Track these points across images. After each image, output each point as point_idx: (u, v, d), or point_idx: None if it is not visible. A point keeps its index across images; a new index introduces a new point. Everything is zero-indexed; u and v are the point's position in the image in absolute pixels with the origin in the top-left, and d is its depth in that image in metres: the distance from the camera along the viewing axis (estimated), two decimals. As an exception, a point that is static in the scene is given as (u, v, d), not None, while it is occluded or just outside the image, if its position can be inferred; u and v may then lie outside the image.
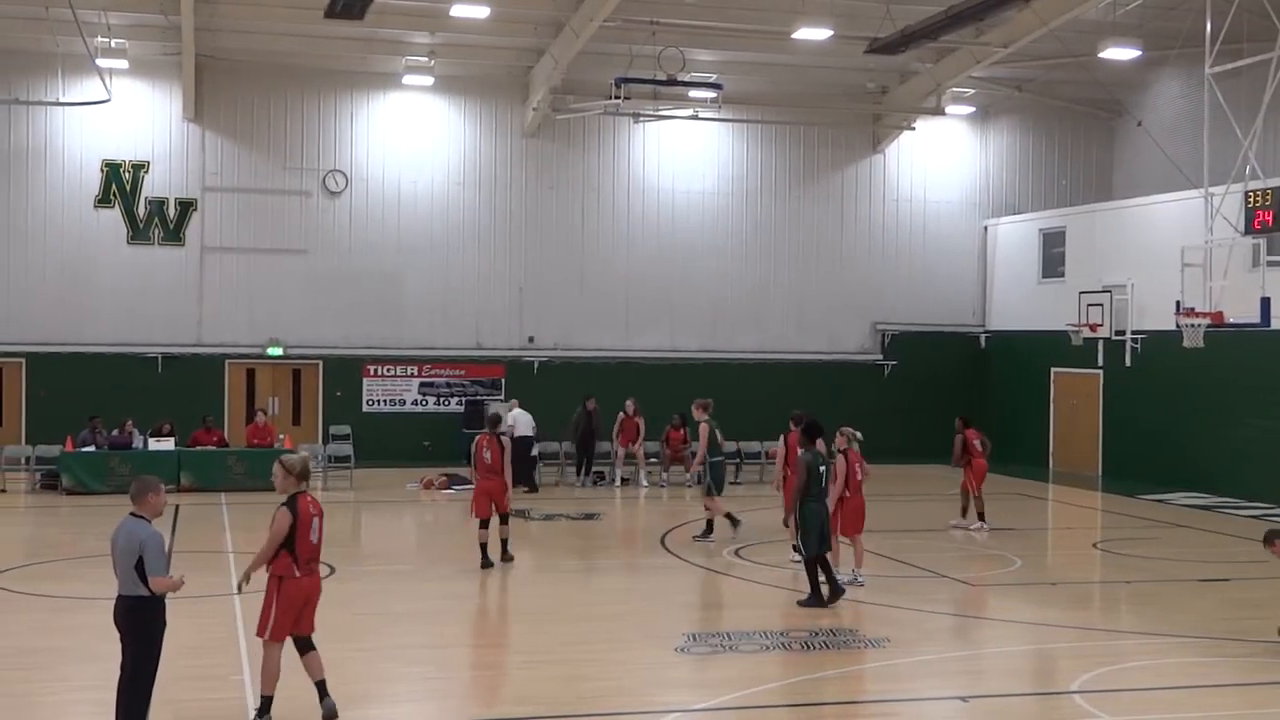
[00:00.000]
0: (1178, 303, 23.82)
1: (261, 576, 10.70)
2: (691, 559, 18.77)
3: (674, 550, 19.49)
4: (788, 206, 33.39)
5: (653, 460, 28.30)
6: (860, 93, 33.03)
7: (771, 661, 13.07)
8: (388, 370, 31.17)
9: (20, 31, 28.26)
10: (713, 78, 30.42)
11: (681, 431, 27.18)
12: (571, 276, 32.08)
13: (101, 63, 27.70)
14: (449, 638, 14.19)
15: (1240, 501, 25.23)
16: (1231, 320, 22.91)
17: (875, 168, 34.01)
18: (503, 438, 18.55)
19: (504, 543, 18.27)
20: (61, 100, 29.17)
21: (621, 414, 27.74)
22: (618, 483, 27.55)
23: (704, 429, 20.31)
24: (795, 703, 11.71)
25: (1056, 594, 16.77)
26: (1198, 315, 23.17)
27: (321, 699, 10.58)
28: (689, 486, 27.28)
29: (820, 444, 16.03)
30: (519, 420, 26.75)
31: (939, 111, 32.52)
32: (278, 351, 30.66)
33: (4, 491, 25.17)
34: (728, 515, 20.14)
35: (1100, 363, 29.87)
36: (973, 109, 33.60)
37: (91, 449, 25.39)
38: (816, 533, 15.38)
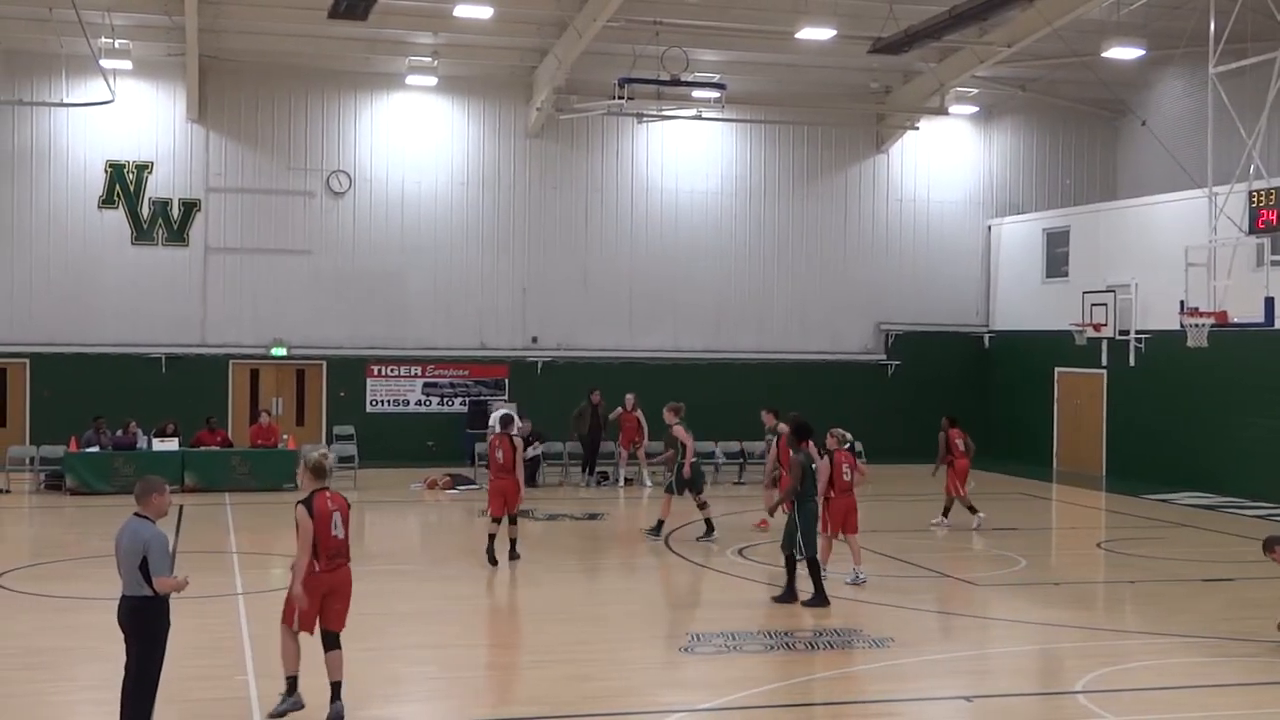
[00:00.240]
0: (1182, 302, 23.82)
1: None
2: (695, 559, 18.77)
3: (678, 550, 19.48)
4: (791, 206, 33.39)
5: (656, 460, 28.26)
6: (864, 92, 33.04)
7: (776, 661, 13.07)
8: (391, 370, 31.19)
9: (24, 32, 28.30)
10: (716, 78, 30.40)
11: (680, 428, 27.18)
12: (575, 276, 32.09)
13: (105, 63, 27.73)
14: (453, 638, 14.20)
15: (1245, 501, 25.21)
16: (1235, 320, 22.90)
17: (879, 167, 34.01)
18: (515, 438, 18.73)
19: (512, 542, 18.41)
20: (65, 101, 29.19)
21: (620, 409, 27.59)
22: (621, 483, 27.52)
23: (680, 431, 20.41)
24: (799, 703, 11.72)
25: (1060, 594, 16.76)
26: (1202, 315, 23.16)
27: (331, 700, 10.63)
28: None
29: (810, 445, 16.12)
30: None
31: (942, 111, 32.52)
32: (281, 352, 30.69)
33: (8, 492, 25.18)
34: (659, 522, 20.20)
35: (1104, 363, 29.85)
36: (976, 109, 33.58)
37: (96, 449, 25.42)
38: (812, 534, 15.43)
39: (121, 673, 9.80)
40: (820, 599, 15.33)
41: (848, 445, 17.16)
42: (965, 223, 34.37)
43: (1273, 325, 22.58)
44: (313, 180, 30.87)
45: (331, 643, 10.76)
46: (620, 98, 28.96)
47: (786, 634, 13.99)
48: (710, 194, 32.89)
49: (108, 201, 29.86)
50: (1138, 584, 17.69)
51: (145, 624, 9.63)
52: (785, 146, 33.34)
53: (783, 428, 21.08)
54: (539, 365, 31.69)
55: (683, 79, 28.97)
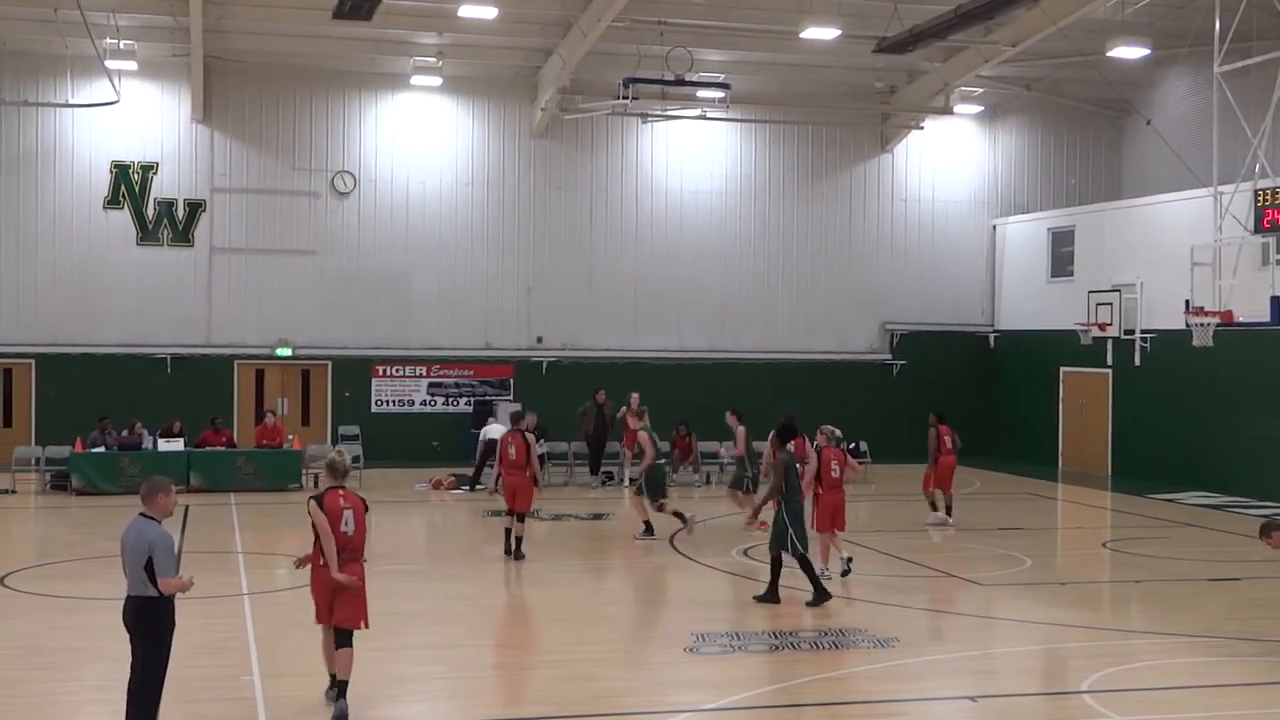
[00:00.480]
0: (1187, 302, 23.81)
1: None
2: (700, 559, 18.76)
3: (682, 550, 19.48)
4: (796, 206, 33.39)
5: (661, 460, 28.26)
6: (868, 92, 33.03)
7: (781, 661, 13.07)
8: (396, 370, 31.21)
9: (29, 33, 28.33)
10: (720, 78, 30.42)
11: (688, 439, 27.24)
12: (580, 276, 32.10)
13: (110, 64, 27.77)
14: (458, 638, 14.20)
15: (1250, 501, 25.18)
16: (1241, 319, 22.89)
17: (883, 167, 34.00)
18: (527, 435, 19.01)
19: (517, 540, 18.56)
20: (71, 102, 29.24)
21: (625, 409, 27.51)
22: (626, 483, 27.44)
23: (644, 437, 20.48)
24: (804, 703, 11.71)
25: (1066, 593, 16.75)
26: (1207, 314, 23.15)
27: (336, 698, 10.71)
28: (698, 486, 27.32)
29: (795, 444, 16.26)
30: (493, 429, 26.90)
31: (947, 111, 32.51)
32: (286, 352, 30.71)
33: (14, 492, 25.19)
34: (645, 524, 20.25)
35: (1109, 362, 29.82)
36: (981, 108, 33.57)
37: (101, 450, 25.44)
38: (802, 531, 15.51)
39: (127, 673, 9.81)
40: (821, 596, 15.33)
41: (837, 442, 17.33)
42: (970, 222, 34.35)
43: (1278, 324, 22.55)
44: (317, 180, 30.90)
45: (343, 640, 10.84)
46: (625, 98, 28.97)
47: (791, 634, 13.99)
48: (715, 194, 32.89)
49: (113, 202, 29.90)
50: (1143, 584, 17.68)
51: (150, 624, 9.64)
52: (790, 146, 33.34)
53: (740, 428, 21.35)
54: (544, 365, 31.70)
55: (687, 79, 28.98)
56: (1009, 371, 33.75)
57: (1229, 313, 22.86)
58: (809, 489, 16.63)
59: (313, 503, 10.95)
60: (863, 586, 16.78)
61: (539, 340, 31.90)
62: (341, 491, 11.06)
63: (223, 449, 26.38)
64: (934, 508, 22.12)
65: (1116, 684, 12.11)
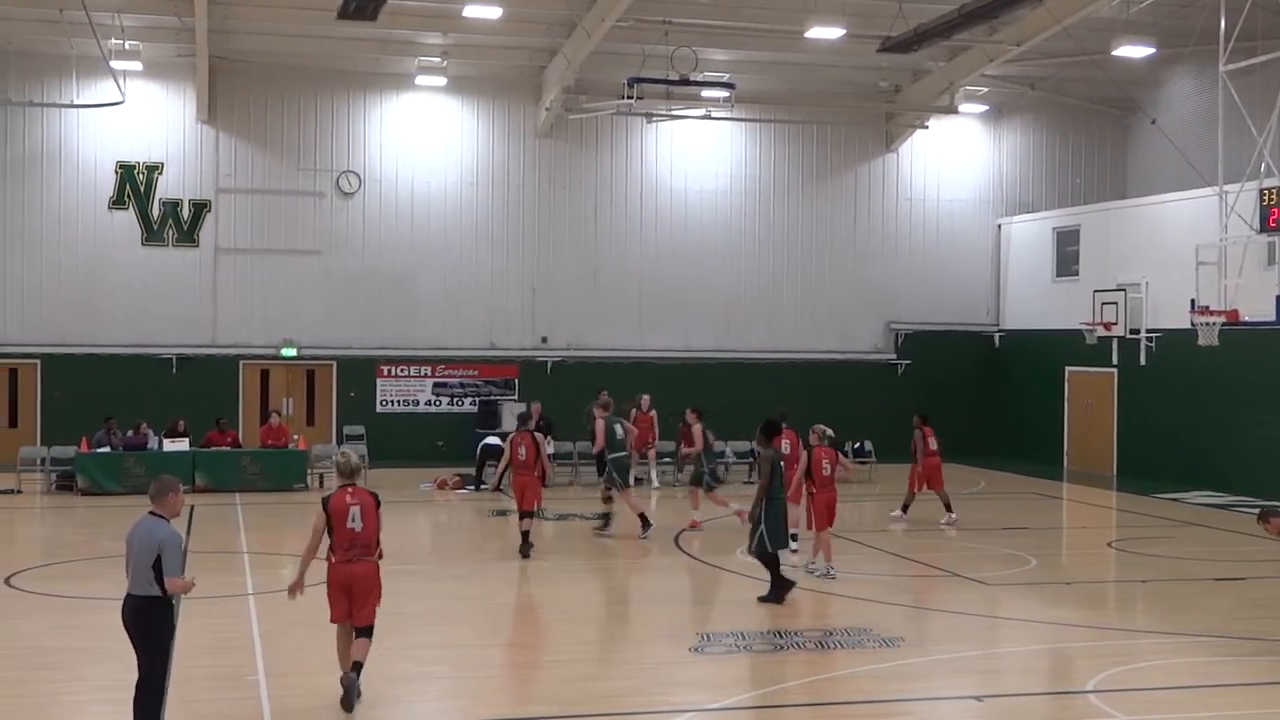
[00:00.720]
0: (1192, 301, 23.77)
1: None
2: (705, 558, 18.76)
3: (687, 550, 19.48)
4: (801, 205, 33.38)
5: (666, 460, 28.27)
6: (873, 91, 33.01)
7: (786, 661, 13.05)
8: (401, 371, 31.23)
9: (34, 34, 28.37)
10: (725, 77, 30.44)
11: (649, 416, 27.28)
12: (584, 276, 32.10)
13: (115, 65, 27.81)
14: (462, 637, 14.20)
15: (1256, 500, 25.08)
16: (1246, 318, 22.84)
17: (888, 166, 33.99)
18: (536, 434, 19.28)
19: (524, 535, 18.81)
20: (76, 102, 29.29)
21: (635, 410, 27.50)
22: (631, 483, 27.34)
23: (600, 427, 20.90)
24: (809, 702, 11.70)
25: (1071, 593, 16.73)
26: (1213, 313, 23.10)
27: (353, 675, 10.98)
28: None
29: (778, 441, 16.47)
30: (492, 439, 27.04)
31: (952, 110, 32.50)
32: (291, 352, 30.74)
33: (20, 492, 25.23)
34: (641, 517, 20.41)
35: (1115, 361, 29.79)
36: (986, 107, 33.55)
37: (107, 450, 25.47)
38: (783, 529, 15.63)
39: (132, 673, 9.80)
40: (775, 595, 15.41)
41: (829, 441, 17.51)
42: (975, 222, 34.34)
43: (1284, 323, 22.52)
44: (322, 181, 30.92)
45: (363, 632, 11.14)
46: (629, 97, 28.97)
47: (796, 634, 13.98)
48: (719, 193, 32.89)
49: (118, 202, 29.94)
50: (1149, 583, 17.66)
51: (151, 624, 9.64)
52: (794, 146, 33.33)
53: (697, 425, 21.44)
54: (548, 365, 31.70)
55: (692, 78, 28.98)
56: (1014, 371, 33.73)
57: (1234, 312, 22.82)
58: (795, 485, 17.00)
59: (320, 503, 11.19)
60: (868, 586, 16.77)
61: (544, 340, 31.91)
62: (350, 489, 11.18)
63: (228, 449, 26.40)
64: (905, 509, 22.26)
65: (1122, 684, 12.09)
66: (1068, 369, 31.67)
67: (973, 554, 19.39)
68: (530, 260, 31.88)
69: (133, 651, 9.79)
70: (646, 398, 27.50)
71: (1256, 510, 14.35)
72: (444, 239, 31.39)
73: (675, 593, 17.02)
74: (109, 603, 9.73)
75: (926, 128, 33.46)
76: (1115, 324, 28.84)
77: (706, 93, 30.38)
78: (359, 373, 31.01)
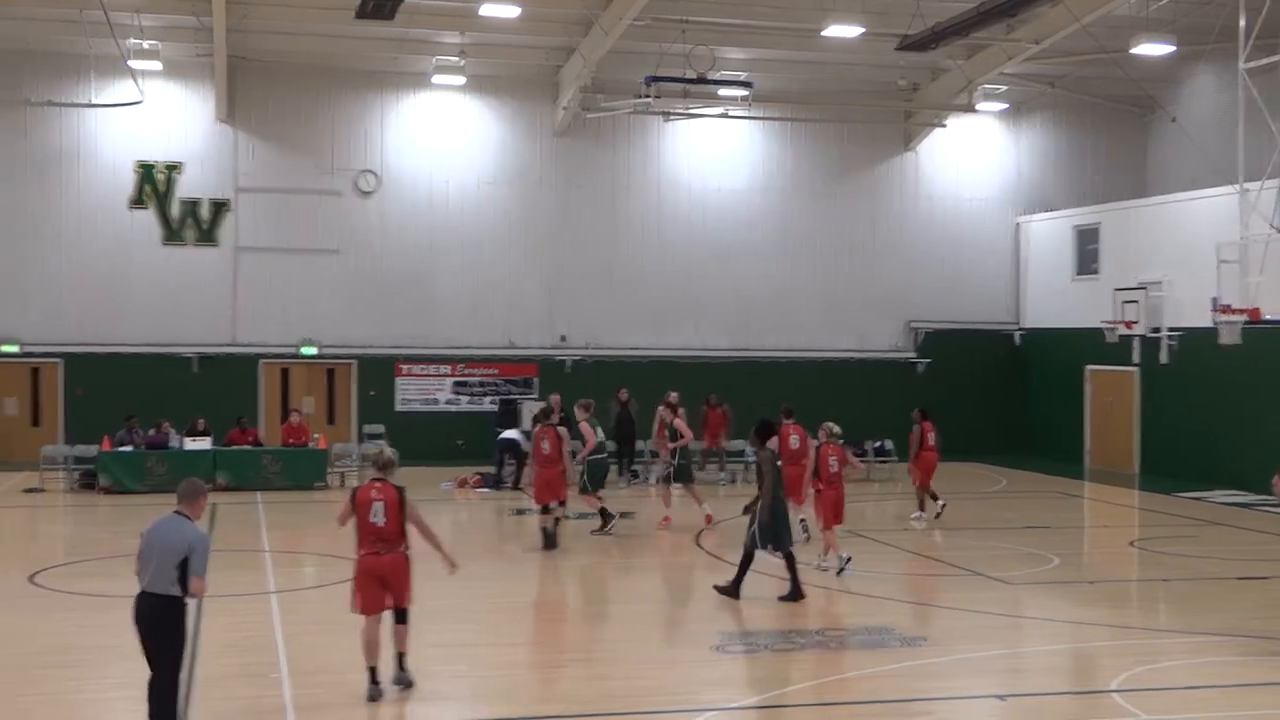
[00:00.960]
0: (1214, 299, 23.62)
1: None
2: (726, 557, 18.72)
3: (708, 549, 19.46)
4: (818, 204, 33.33)
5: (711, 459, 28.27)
6: (891, 90, 32.92)
7: (807, 660, 13.04)
8: (421, 369, 31.27)
9: (53, 34, 28.47)
10: (742, 76, 30.39)
11: (719, 410, 27.26)
12: (602, 275, 32.10)
13: (134, 64, 27.90)
14: (482, 636, 14.20)
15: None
16: (1268, 316, 22.70)
17: (907, 165, 33.92)
18: (560, 429, 19.50)
19: (544, 528, 19.10)
20: (95, 102, 29.38)
21: (662, 407, 27.35)
22: (653, 481, 27.25)
23: (586, 428, 20.83)
24: (831, 701, 11.68)
25: (1094, 592, 16.68)
26: (1234, 312, 22.97)
27: (398, 668, 11.48)
28: (723, 485, 27.25)
29: (773, 442, 16.54)
30: (511, 432, 27.06)
31: (970, 108, 32.43)
32: (311, 351, 30.80)
33: (43, 491, 25.34)
34: (602, 511, 20.61)
35: (1136, 360, 29.65)
36: (1005, 106, 33.45)
37: (129, 449, 25.56)
38: (785, 528, 15.69)
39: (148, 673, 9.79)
40: (735, 590, 15.43)
41: (837, 439, 17.69)
42: (994, 220, 34.25)
43: (1306, 322, 22.41)
44: (341, 180, 30.97)
45: (399, 618, 11.46)
46: (647, 96, 28.93)
47: (818, 633, 13.97)
48: (737, 192, 32.86)
49: (138, 202, 30.03)
50: (1171, 582, 17.58)
51: (171, 623, 9.65)
52: (812, 144, 33.27)
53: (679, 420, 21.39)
54: (567, 364, 31.71)
55: (709, 77, 28.94)
56: (1035, 370, 33.64)
57: (1256, 310, 22.69)
58: (805, 482, 17.45)
59: (348, 494, 11.63)
60: (890, 585, 16.75)
61: (562, 339, 31.92)
62: (377, 484, 11.42)
63: (249, 448, 26.47)
64: (922, 506, 22.35)
65: (1145, 683, 12.04)
66: (1088, 368, 31.56)
67: (995, 553, 19.33)
68: (548, 259, 31.89)
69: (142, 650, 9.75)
70: (675, 395, 27.33)
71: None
72: (462, 238, 31.42)
73: (697, 591, 16.99)
74: (131, 601, 9.73)
75: (945, 126, 33.38)
76: (1136, 322, 28.70)
77: (724, 91, 30.34)
78: (379, 371, 31.05)
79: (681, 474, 21.69)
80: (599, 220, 32.19)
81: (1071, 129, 34.52)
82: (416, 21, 27.44)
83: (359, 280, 30.93)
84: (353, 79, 30.89)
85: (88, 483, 25.54)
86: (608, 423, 27.90)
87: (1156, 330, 28.59)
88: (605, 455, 21.46)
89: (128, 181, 29.97)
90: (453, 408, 31.32)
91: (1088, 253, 32.04)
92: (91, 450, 25.88)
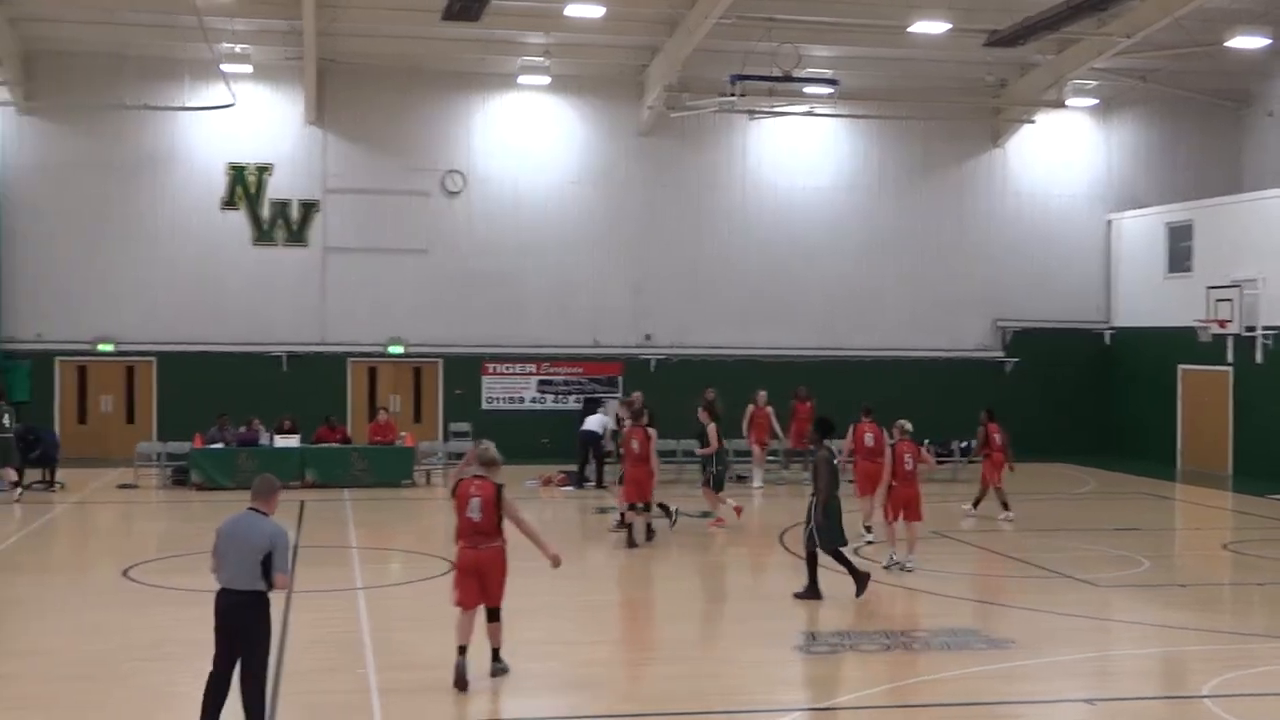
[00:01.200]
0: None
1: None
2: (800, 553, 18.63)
3: (792, 548, 19.38)
4: (905, 202, 33.08)
5: (772, 459, 28.17)
6: (979, 86, 32.54)
7: (892, 661, 12.95)
8: (506, 368, 31.46)
9: (148, 39, 29.00)
10: (828, 73, 30.21)
11: (808, 405, 27.19)
12: (687, 274, 32.08)
13: (226, 68, 28.32)
14: (566, 634, 14.27)
15: (1378, 502, 24.48)
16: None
17: (995, 162, 33.56)
18: (649, 429, 19.63)
19: (648, 526, 19.43)
20: (188, 105, 29.86)
21: (752, 406, 27.33)
22: (759, 483, 27.14)
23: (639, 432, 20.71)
24: (915, 703, 11.59)
25: (1185, 596, 16.41)
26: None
27: (493, 661, 11.87)
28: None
29: (875, 437, 17.24)
30: (593, 420, 27.03)
31: (1060, 104, 32.02)
32: (399, 350, 31.10)
33: (137, 487, 25.84)
34: (661, 505, 20.69)
35: (1230, 359, 29.14)
36: (1095, 101, 32.99)
37: (220, 446, 25.97)
38: (825, 528, 15.63)
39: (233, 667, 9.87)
40: (813, 592, 15.44)
41: (911, 437, 17.79)
42: (1084, 217, 33.79)
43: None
44: (428, 180, 31.23)
45: (490, 616, 11.81)
46: (732, 95, 28.86)
47: (903, 634, 13.87)
48: (822, 190, 32.70)
49: (229, 203, 30.50)
50: (1266, 586, 17.27)
51: (260, 618, 9.78)
52: (898, 142, 33.03)
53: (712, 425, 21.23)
54: (652, 363, 31.73)
55: (794, 75, 28.81)
56: (1126, 369, 33.13)
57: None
58: (885, 481, 17.50)
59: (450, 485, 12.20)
60: (977, 586, 16.59)
61: (647, 338, 31.95)
62: (477, 480, 11.79)
63: (337, 445, 26.78)
64: (1006, 506, 22.29)
65: (1238, 688, 11.83)
66: (1181, 367, 31.05)
67: (1083, 555, 19.07)
68: (633, 258, 31.94)
69: (227, 646, 9.83)
70: (763, 393, 27.36)
71: None
72: (547, 237, 31.55)
73: (780, 591, 16.93)
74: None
75: (1034, 122, 32.99)
76: (1230, 321, 28.21)
77: (809, 89, 30.21)
78: (465, 370, 31.28)
79: (716, 481, 21.52)
80: (684, 219, 32.18)
81: (1164, 124, 33.95)
82: (502, 22, 27.60)
83: (445, 280, 31.18)
84: (439, 80, 31.14)
85: (180, 479, 26.00)
86: (693, 423, 27.92)
87: (1251, 329, 28.08)
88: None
89: (219, 183, 30.45)
90: (538, 406, 31.46)
91: (1180, 250, 31.51)
92: (184, 447, 26.35)
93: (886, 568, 17.16)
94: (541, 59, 29.91)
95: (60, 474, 25.60)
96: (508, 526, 11.85)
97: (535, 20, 28.24)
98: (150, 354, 30.23)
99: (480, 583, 11.67)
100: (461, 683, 11.39)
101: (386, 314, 30.95)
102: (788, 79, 28.70)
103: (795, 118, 31.79)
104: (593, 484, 26.43)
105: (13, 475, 24.04)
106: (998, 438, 22.42)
